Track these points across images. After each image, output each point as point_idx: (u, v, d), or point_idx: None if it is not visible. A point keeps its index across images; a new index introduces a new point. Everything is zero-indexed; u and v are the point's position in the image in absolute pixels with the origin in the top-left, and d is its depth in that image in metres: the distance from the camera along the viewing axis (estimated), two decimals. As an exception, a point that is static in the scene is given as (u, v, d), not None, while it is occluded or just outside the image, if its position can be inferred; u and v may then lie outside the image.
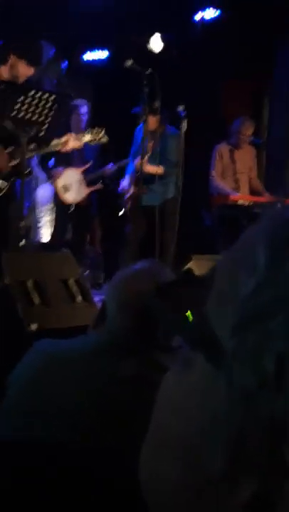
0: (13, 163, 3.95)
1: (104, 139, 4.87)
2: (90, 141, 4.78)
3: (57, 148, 4.21)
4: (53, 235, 5.94)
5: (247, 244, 0.39)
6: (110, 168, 5.51)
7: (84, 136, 4.66)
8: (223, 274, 0.40)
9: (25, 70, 3.89)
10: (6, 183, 4.00)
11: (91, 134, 4.77)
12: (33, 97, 3.63)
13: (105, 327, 1.50)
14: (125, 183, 5.37)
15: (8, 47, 3.87)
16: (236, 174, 5.70)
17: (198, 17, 6.57)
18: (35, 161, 6.32)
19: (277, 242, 0.37)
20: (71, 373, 1.37)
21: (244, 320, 0.35)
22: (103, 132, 4.84)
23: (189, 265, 3.51)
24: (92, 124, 5.30)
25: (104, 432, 1.27)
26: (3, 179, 3.98)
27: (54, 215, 6.17)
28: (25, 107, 3.62)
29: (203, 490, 0.37)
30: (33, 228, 7.96)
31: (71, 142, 4.30)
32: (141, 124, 5.22)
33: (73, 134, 4.48)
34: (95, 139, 4.80)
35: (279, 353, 0.33)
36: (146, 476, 0.41)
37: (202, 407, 0.38)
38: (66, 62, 7.47)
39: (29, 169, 4.09)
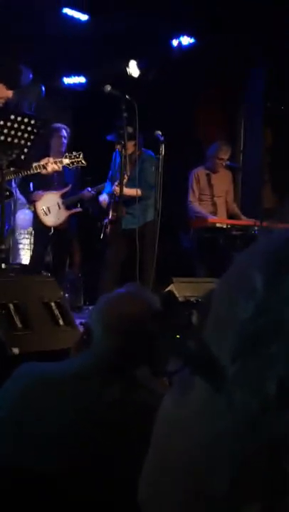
0: None
1: (83, 163, 4.92)
2: (69, 164, 4.82)
3: (36, 171, 4.23)
4: (32, 258, 5.93)
5: (243, 267, 0.39)
6: (89, 191, 5.55)
7: (63, 159, 4.70)
8: (221, 298, 0.40)
9: (3, 93, 3.94)
10: None
11: (69, 157, 4.81)
12: (14, 121, 3.65)
13: (91, 350, 1.50)
14: (103, 198, 5.39)
15: None
16: (214, 198, 5.78)
17: (175, 43, 6.70)
18: (14, 185, 6.32)
19: (273, 264, 0.37)
20: (57, 396, 1.37)
21: (244, 344, 0.36)
22: (82, 156, 4.89)
23: (170, 287, 3.53)
24: (70, 148, 5.35)
25: (91, 456, 1.27)
26: None
27: (33, 238, 6.17)
28: (6, 130, 3.64)
29: None
30: (13, 251, 7.93)
31: (50, 165, 4.33)
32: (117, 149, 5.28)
33: (51, 158, 4.52)
34: (74, 163, 4.85)
35: (281, 376, 0.34)
36: (145, 498, 0.41)
37: (203, 430, 0.37)
38: (44, 86, 7.52)
39: (8, 191, 4.10)
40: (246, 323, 0.36)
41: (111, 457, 1.26)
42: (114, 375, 1.39)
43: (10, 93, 4.01)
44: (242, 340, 0.36)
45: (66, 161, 4.80)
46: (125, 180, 4.83)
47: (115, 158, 5.35)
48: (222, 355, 0.37)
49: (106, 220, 5.33)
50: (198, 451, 0.37)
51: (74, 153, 4.96)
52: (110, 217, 5.22)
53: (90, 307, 6.11)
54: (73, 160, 4.87)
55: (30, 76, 7.24)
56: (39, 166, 4.25)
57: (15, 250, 8.12)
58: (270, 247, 0.39)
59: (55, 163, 4.49)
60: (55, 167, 4.48)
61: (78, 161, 4.92)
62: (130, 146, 5.02)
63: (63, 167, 5.36)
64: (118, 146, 5.08)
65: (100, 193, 5.55)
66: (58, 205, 5.49)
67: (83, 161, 4.94)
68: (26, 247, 8.16)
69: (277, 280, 0.36)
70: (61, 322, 2.87)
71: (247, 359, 0.35)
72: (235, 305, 0.37)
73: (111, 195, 5.27)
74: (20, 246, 8.22)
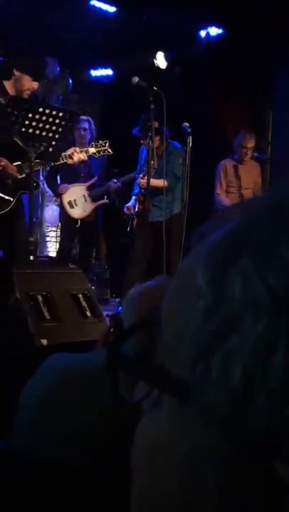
0: (20, 176, 4.00)
1: (109, 151, 4.90)
2: (95, 153, 4.81)
3: (62, 162, 4.24)
4: (60, 251, 5.96)
5: (186, 270, 0.38)
6: (115, 183, 5.54)
7: (89, 148, 4.70)
8: (169, 308, 0.39)
9: (29, 84, 3.98)
10: (12, 200, 4.03)
11: (95, 146, 4.81)
12: (42, 114, 3.67)
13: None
14: (131, 204, 5.41)
15: (12, 63, 3.94)
16: (241, 190, 5.73)
17: (202, 34, 6.64)
18: (42, 178, 6.36)
19: (215, 259, 0.36)
20: (85, 388, 1.36)
21: (202, 347, 0.35)
22: (108, 144, 4.87)
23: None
24: (97, 140, 5.35)
25: (115, 449, 1.26)
26: (9, 194, 4.01)
27: (60, 231, 6.20)
28: (34, 123, 3.66)
29: None
30: (40, 244, 7.99)
31: (76, 155, 4.34)
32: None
33: (78, 148, 4.53)
34: (100, 152, 4.84)
35: (243, 367, 0.33)
36: None
37: (179, 446, 0.36)
38: (71, 79, 7.54)
39: (36, 183, 4.13)
40: (199, 328, 0.35)
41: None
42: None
43: (36, 84, 4.04)
44: (198, 346, 0.35)
45: (92, 150, 4.79)
46: (152, 174, 4.82)
47: (142, 151, 5.34)
48: (182, 365, 0.36)
49: (133, 214, 5.33)
50: (178, 468, 0.37)
51: (100, 141, 4.94)
52: (137, 210, 5.22)
53: (117, 299, 6.12)
54: (99, 149, 4.85)
55: (58, 69, 7.28)
56: (65, 156, 4.25)
57: (42, 243, 8.19)
58: (209, 243, 0.38)
59: (81, 152, 4.49)
60: (81, 156, 4.48)
61: (104, 150, 4.90)
62: (156, 139, 5.00)
63: (90, 159, 5.37)
64: (144, 141, 5.08)
65: (128, 184, 5.55)
66: (84, 198, 5.50)
67: (109, 150, 4.92)
68: (53, 239, 8.22)
69: (220, 275, 0.36)
70: (89, 314, 2.88)
71: (208, 361, 0.35)
72: (184, 311, 0.37)
73: (138, 191, 5.27)
74: (48, 239, 8.28)
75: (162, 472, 0.38)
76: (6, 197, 3.99)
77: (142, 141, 5.19)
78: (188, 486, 0.36)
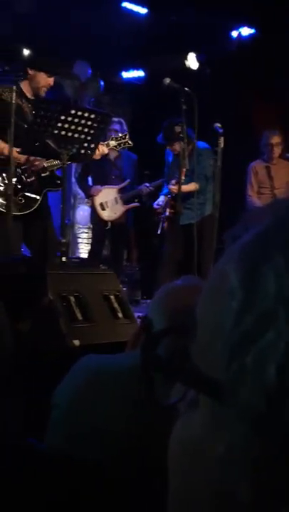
0: (44, 175, 4.05)
1: (129, 143, 4.88)
2: (116, 146, 4.81)
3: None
4: (91, 252, 5.99)
5: (219, 271, 0.39)
6: (147, 187, 5.55)
7: (109, 141, 4.69)
8: (203, 310, 0.39)
9: (45, 81, 4.06)
10: (38, 197, 4.08)
11: (116, 139, 4.80)
12: (74, 116, 3.69)
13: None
14: (160, 201, 5.39)
15: (25, 63, 3.99)
16: (274, 190, 5.67)
17: (234, 34, 6.61)
18: (74, 179, 6.41)
19: (247, 259, 0.37)
20: (116, 390, 1.36)
21: (235, 347, 0.35)
22: (128, 137, 4.85)
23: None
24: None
25: (145, 454, 1.25)
26: (35, 193, 4.05)
27: (92, 233, 6.24)
28: (67, 125, 3.68)
29: None
30: (72, 245, 8.05)
31: (98, 149, 4.34)
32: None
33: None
34: (121, 144, 4.83)
35: (278, 364, 0.34)
36: None
37: (213, 446, 0.37)
38: (103, 81, 7.59)
39: (59, 180, 4.17)
40: (232, 328, 0.36)
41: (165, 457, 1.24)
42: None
43: (51, 80, 4.13)
44: (232, 345, 0.36)
45: (113, 142, 4.77)
46: (182, 179, 4.80)
47: (167, 154, 5.34)
48: (215, 367, 0.36)
49: (163, 216, 5.32)
50: (213, 468, 0.37)
51: (120, 134, 4.94)
52: (168, 213, 5.21)
53: (148, 301, 6.13)
54: (119, 141, 4.82)
55: (89, 72, 7.33)
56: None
57: (74, 244, 8.25)
58: (241, 244, 0.38)
59: (103, 145, 4.48)
60: (104, 149, 4.46)
61: (125, 142, 4.86)
62: (178, 146, 5.00)
63: (121, 161, 5.39)
64: (170, 147, 5.08)
65: (159, 188, 5.55)
66: (116, 200, 5.52)
67: (129, 142, 4.88)
68: (85, 241, 8.28)
69: (253, 275, 0.36)
70: (120, 315, 2.88)
71: (242, 360, 0.35)
72: (217, 311, 0.37)
73: (167, 193, 5.26)
74: (79, 240, 8.34)
75: (197, 472, 0.38)
76: (33, 195, 4.03)
77: (168, 148, 5.18)
78: (223, 485, 0.36)
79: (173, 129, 4.70)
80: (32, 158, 3.96)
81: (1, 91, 4.04)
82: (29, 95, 4.11)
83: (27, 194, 3.99)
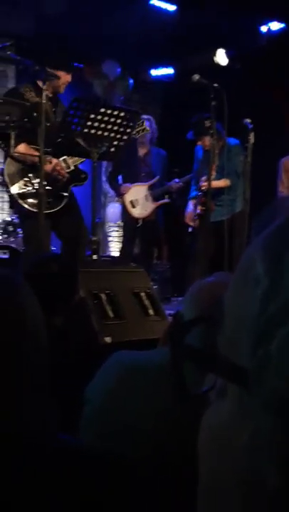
0: (68, 170, 4.09)
1: (147, 129, 4.84)
2: (134, 134, 4.79)
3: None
4: (122, 250, 6.00)
5: (245, 261, 0.39)
6: (177, 183, 5.53)
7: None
8: (230, 300, 0.40)
9: (64, 78, 4.14)
10: (66, 194, 4.11)
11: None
12: (104, 114, 3.71)
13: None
14: (189, 208, 5.36)
15: (42, 65, 4.02)
16: (305, 186, 5.61)
17: (264, 29, 6.54)
18: (104, 178, 6.43)
19: (272, 247, 0.37)
20: (148, 386, 1.36)
21: (260, 335, 0.36)
22: (144, 124, 4.81)
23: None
24: (159, 139, 5.35)
25: (177, 449, 1.25)
26: (62, 190, 4.08)
27: (122, 231, 6.25)
28: (96, 124, 3.70)
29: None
30: (103, 243, 8.08)
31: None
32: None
33: None
34: (139, 131, 4.80)
35: None
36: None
37: (240, 432, 0.37)
38: (132, 79, 7.59)
39: (84, 174, 4.20)
40: (257, 316, 0.36)
41: (191, 459, 1.23)
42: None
43: (69, 77, 4.19)
44: (257, 333, 0.36)
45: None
46: (213, 175, 4.78)
47: (197, 151, 5.32)
48: (241, 355, 0.37)
49: (194, 215, 5.29)
50: (241, 455, 0.37)
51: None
52: (198, 211, 5.18)
53: (179, 298, 6.12)
54: (137, 129, 4.78)
55: (118, 70, 7.35)
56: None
57: (104, 243, 8.29)
58: (268, 233, 0.39)
59: None
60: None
61: (142, 129, 4.82)
62: (208, 141, 4.98)
63: (150, 158, 5.39)
64: (200, 142, 5.05)
65: (189, 183, 5.53)
66: (146, 197, 5.53)
67: (147, 128, 4.85)
68: (116, 239, 8.31)
69: (279, 261, 0.36)
70: (151, 312, 2.89)
71: (266, 347, 0.35)
72: (243, 300, 0.38)
73: (197, 195, 5.23)
74: (110, 238, 8.38)
75: (225, 460, 0.39)
76: (60, 192, 4.07)
77: (198, 143, 5.15)
78: (250, 473, 0.37)
79: (203, 123, 4.68)
80: (58, 167, 3.99)
81: (23, 91, 4.10)
82: (49, 94, 4.14)
83: (55, 191, 4.03)
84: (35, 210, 3.83)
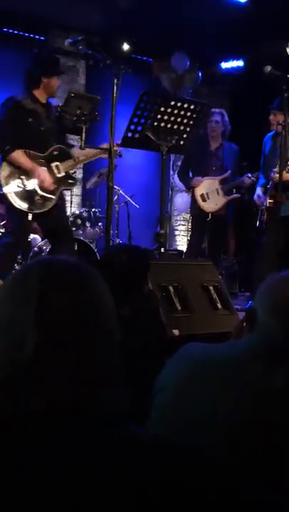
0: (59, 175, 4.29)
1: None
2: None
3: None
4: (190, 244, 5.97)
5: None
6: (250, 178, 5.44)
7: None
8: None
9: (56, 82, 4.29)
10: (54, 197, 4.26)
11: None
12: (174, 107, 3.69)
13: (254, 334, 1.46)
14: (259, 193, 5.25)
15: (38, 73, 4.19)
16: None
17: None
18: (172, 172, 6.42)
19: None
20: (221, 378, 1.34)
21: None
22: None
23: None
24: (230, 133, 5.29)
25: (254, 446, 1.22)
26: (51, 193, 4.24)
27: (190, 225, 6.21)
28: (166, 117, 3.69)
29: None
30: (169, 237, 8.09)
31: None
32: (270, 134, 5.12)
33: None
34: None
35: None
36: None
37: None
38: (201, 72, 7.54)
39: (73, 179, 4.46)
40: None
41: (267, 452, 1.21)
42: (279, 361, 1.33)
43: (60, 81, 4.36)
44: None
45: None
46: (286, 167, 4.67)
47: (265, 144, 5.21)
48: None
49: (262, 208, 5.19)
50: None
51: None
52: (267, 204, 5.08)
53: (246, 294, 6.04)
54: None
55: (187, 63, 7.31)
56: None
57: (171, 237, 8.29)
58: None
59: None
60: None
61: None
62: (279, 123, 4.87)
63: (222, 152, 5.33)
64: (273, 118, 4.94)
65: (258, 179, 5.44)
66: (217, 191, 5.47)
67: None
68: (182, 233, 8.29)
69: None
70: (219, 306, 2.86)
71: None
72: None
73: (265, 183, 5.13)
74: (176, 232, 8.36)
75: None
76: (49, 195, 4.24)
77: (271, 118, 5.03)
78: None
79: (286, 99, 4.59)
80: (46, 183, 4.20)
81: (20, 99, 4.19)
82: (42, 100, 4.26)
83: (44, 194, 4.22)
84: (23, 210, 4.13)
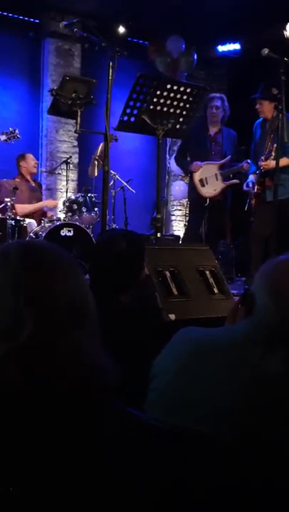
0: None
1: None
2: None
3: None
4: (188, 229, 5.95)
5: None
6: (248, 163, 5.41)
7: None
8: None
9: None
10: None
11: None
12: (170, 90, 3.66)
13: (252, 318, 1.45)
14: (250, 181, 5.25)
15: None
16: None
17: None
18: (168, 157, 6.38)
19: None
20: (219, 362, 1.34)
21: None
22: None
23: None
24: (229, 117, 5.25)
25: (253, 429, 1.22)
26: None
27: (187, 210, 6.19)
28: (162, 100, 3.66)
29: None
30: (166, 222, 8.07)
31: None
32: (259, 120, 5.11)
33: None
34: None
35: None
36: None
37: None
38: (197, 55, 7.47)
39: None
40: None
41: (266, 435, 1.21)
42: (277, 344, 1.33)
43: None
44: None
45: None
46: (272, 156, 4.65)
47: (255, 130, 5.18)
48: None
49: (252, 194, 5.17)
50: None
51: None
52: (255, 190, 5.06)
53: (242, 278, 6.04)
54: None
55: (183, 46, 7.24)
56: None
57: (168, 222, 8.27)
58: None
59: None
60: None
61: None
62: (269, 108, 4.86)
63: (222, 137, 5.29)
64: (259, 106, 4.94)
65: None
66: (216, 176, 5.44)
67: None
68: (179, 218, 8.27)
69: None
70: (216, 290, 2.86)
71: None
72: None
73: (255, 171, 5.11)
74: (173, 218, 8.34)
75: None
76: None
77: (257, 107, 5.02)
78: None
79: (270, 88, 4.57)
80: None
81: None
82: None
83: None
84: None
